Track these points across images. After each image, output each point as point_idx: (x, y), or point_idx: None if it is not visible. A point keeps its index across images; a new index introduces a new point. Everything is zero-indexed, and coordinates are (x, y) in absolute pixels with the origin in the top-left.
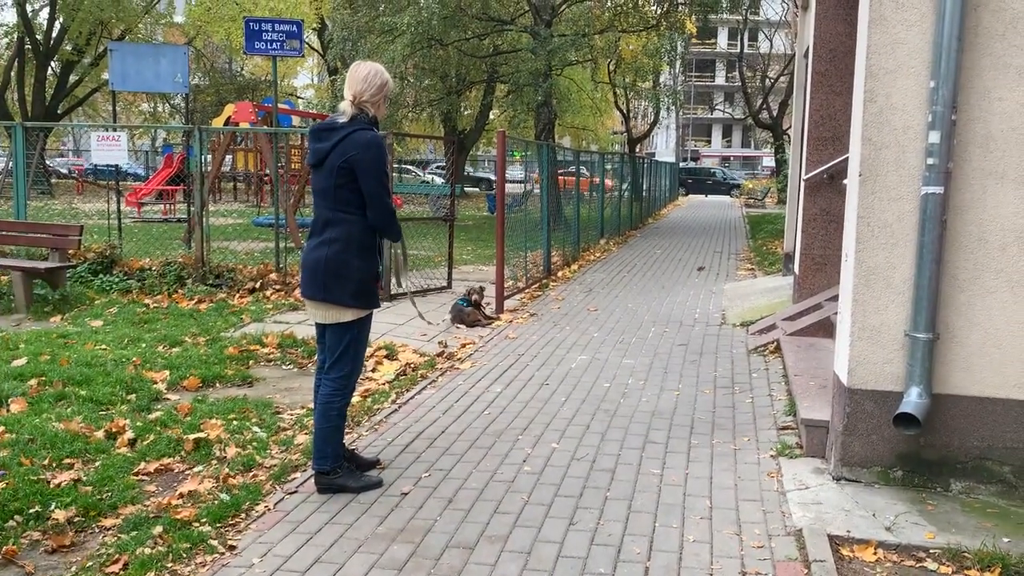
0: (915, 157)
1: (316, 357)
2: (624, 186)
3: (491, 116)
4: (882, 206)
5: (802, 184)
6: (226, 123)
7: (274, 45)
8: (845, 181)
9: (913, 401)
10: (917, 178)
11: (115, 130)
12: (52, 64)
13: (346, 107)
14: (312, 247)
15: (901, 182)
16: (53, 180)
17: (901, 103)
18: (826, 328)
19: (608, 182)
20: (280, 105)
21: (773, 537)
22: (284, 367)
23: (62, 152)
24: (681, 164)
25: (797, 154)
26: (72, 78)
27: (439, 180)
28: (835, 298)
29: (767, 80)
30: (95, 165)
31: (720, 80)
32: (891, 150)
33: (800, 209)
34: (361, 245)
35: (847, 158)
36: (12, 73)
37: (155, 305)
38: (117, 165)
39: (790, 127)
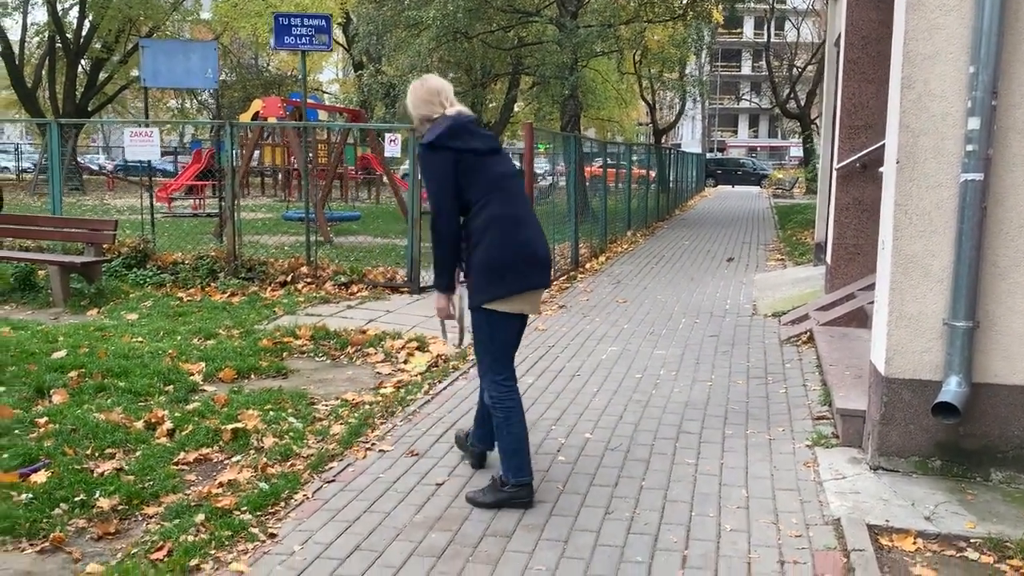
0: (954, 144)
1: (509, 362)
2: (652, 177)
3: (516, 109)
4: (920, 194)
5: (834, 173)
6: (253, 118)
7: (303, 40)
8: (881, 169)
9: (952, 390)
10: (956, 165)
11: (147, 126)
12: (82, 62)
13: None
14: (540, 234)
15: (940, 169)
16: (84, 176)
17: (939, 89)
18: (860, 318)
19: (636, 172)
20: (308, 100)
21: (811, 526)
22: (317, 359)
23: (92, 149)
24: (708, 155)
25: (828, 143)
26: (102, 76)
27: None
28: (869, 288)
29: (794, 69)
30: (126, 161)
31: (746, 70)
32: (929, 137)
33: (832, 198)
34: None
35: (880, 146)
36: (43, 71)
37: (189, 298)
38: (149, 161)
39: (818, 116)
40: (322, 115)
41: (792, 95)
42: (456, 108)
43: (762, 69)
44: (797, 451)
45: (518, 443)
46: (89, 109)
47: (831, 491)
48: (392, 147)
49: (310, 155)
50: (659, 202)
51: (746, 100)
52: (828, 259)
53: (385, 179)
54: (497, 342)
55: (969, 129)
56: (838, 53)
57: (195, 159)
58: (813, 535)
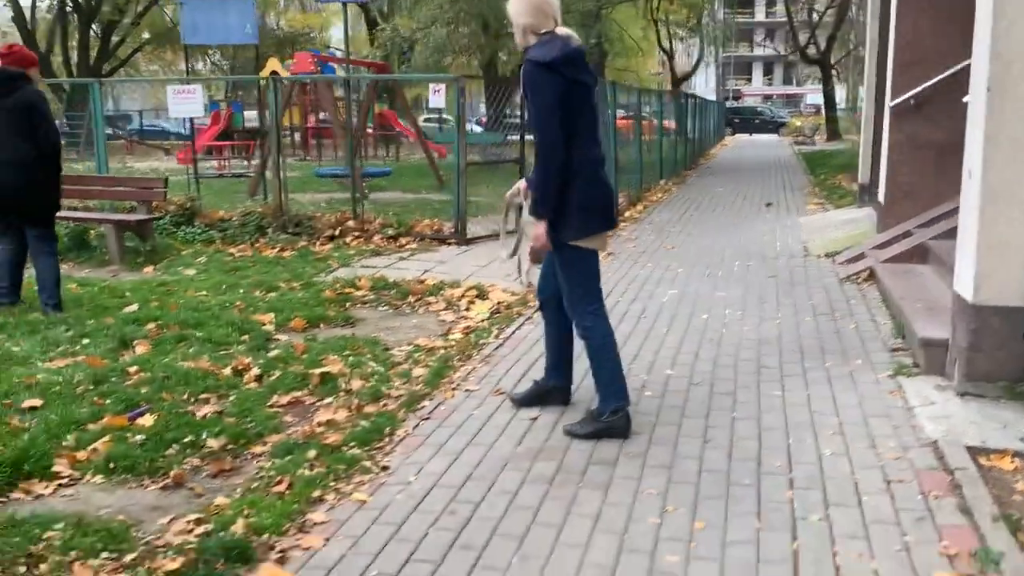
0: None
1: (599, 292)
2: (679, 126)
3: None
4: (1011, 121)
5: (887, 111)
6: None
7: None
8: (965, 99)
9: None
10: None
11: (187, 83)
12: (93, 26)
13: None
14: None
15: None
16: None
17: None
18: (920, 254)
19: (667, 123)
20: (328, 55)
21: (909, 449)
22: (380, 309)
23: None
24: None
25: (872, 83)
26: (114, 39)
27: (478, 128)
28: (925, 225)
29: (814, 14)
30: (141, 126)
31: (760, 16)
32: (1020, 64)
33: (885, 137)
34: None
35: (936, 83)
36: (55, 36)
37: (240, 254)
38: (187, 120)
39: (839, 61)
40: (339, 70)
41: (812, 40)
42: (566, 30)
43: (776, 15)
44: (880, 381)
45: (615, 369)
46: (103, 73)
47: (922, 416)
48: (436, 97)
49: (325, 114)
50: (685, 151)
51: (762, 45)
52: (881, 198)
53: (409, 137)
54: (588, 274)
55: None
56: None
57: (213, 120)
58: (913, 457)
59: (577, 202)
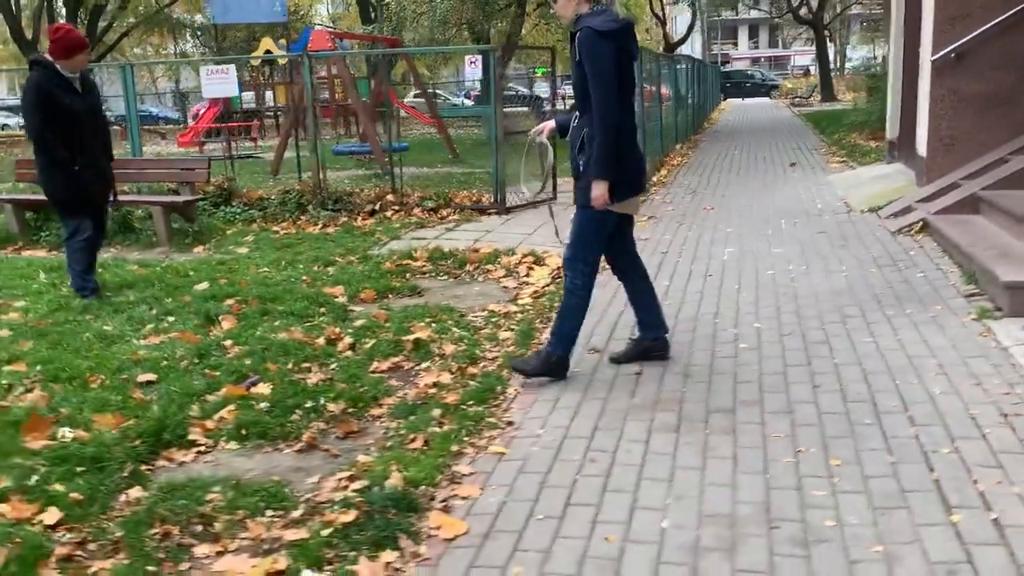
0: None
1: (601, 256)
2: (688, 91)
3: (523, 33)
4: None
5: (926, 66)
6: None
7: None
8: None
9: None
10: None
11: (219, 63)
12: (80, 14)
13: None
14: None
15: None
16: None
17: None
18: (972, 205)
19: (664, 90)
20: (336, 30)
21: (1015, 385)
22: (439, 279)
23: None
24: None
25: (899, 39)
26: (101, 24)
27: (468, 103)
28: (971, 176)
29: None
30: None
31: None
32: None
33: (925, 91)
34: None
35: (977, 35)
36: (41, 23)
37: (284, 232)
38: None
39: (831, 21)
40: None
41: (804, 2)
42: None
43: None
44: (967, 324)
45: (576, 326)
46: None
47: (1019, 355)
48: (473, 68)
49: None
50: (694, 116)
51: (747, 6)
52: (923, 152)
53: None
54: (601, 237)
55: None
56: None
57: (212, 102)
58: (1021, 392)
59: (627, 168)
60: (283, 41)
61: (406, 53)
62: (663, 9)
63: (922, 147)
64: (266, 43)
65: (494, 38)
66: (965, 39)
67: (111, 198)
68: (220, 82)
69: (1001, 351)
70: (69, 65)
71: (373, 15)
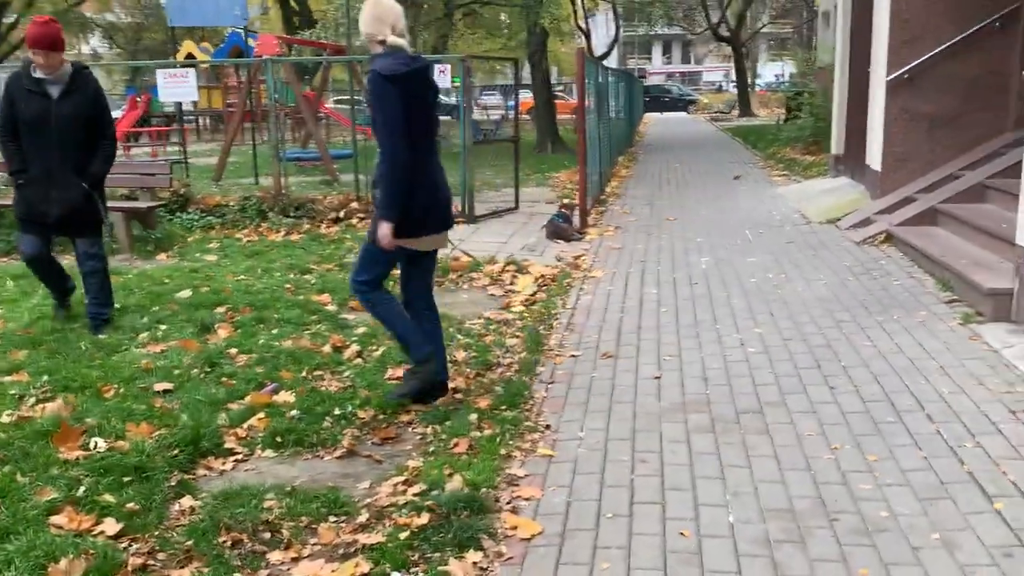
0: None
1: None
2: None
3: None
4: None
5: (881, 85)
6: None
7: None
8: None
9: None
10: None
11: (179, 67)
12: None
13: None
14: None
15: None
16: None
17: None
18: (931, 217)
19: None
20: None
21: (1014, 384)
22: None
23: None
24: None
25: (845, 60)
26: (5, 22)
27: None
28: (925, 190)
29: None
30: None
31: None
32: None
33: (879, 110)
34: None
35: (928, 58)
36: None
37: (247, 239)
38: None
39: (749, 40)
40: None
41: (723, 20)
42: (402, 40)
43: None
44: (955, 329)
45: (408, 328)
46: None
47: (1010, 356)
48: (443, 76)
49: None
50: (628, 129)
51: (661, 26)
52: (877, 166)
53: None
54: (381, 263)
55: None
56: None
57: (131, 105)
58: (1022, 390)
59: (412, 207)
60: (205, 44)
61: (352, 61)
62: (587, 22)
63: (875, 162)
64: (188, 46)
65: (451, 47)
66: (916, 62)
67: (83, 219)
68: (178, 85)
69: (993, 353)
70: (45, 64)
71: (296, 21)
